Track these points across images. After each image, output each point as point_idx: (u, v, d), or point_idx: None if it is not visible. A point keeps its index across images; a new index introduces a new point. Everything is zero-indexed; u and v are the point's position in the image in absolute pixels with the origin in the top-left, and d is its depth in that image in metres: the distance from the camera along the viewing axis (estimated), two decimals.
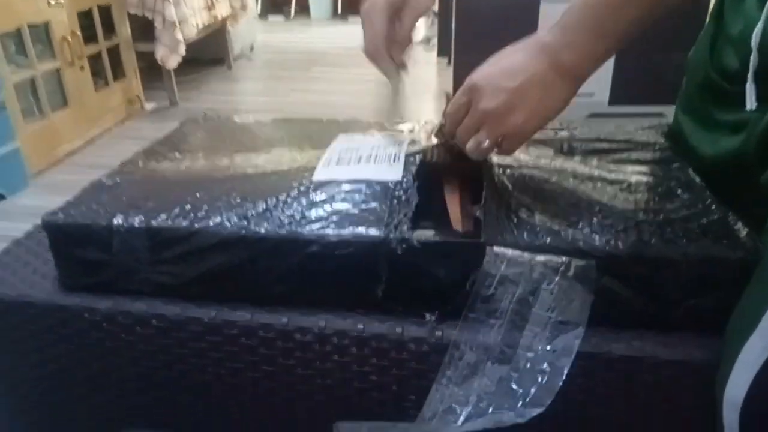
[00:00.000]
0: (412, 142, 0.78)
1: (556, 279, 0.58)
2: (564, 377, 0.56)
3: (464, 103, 0.60)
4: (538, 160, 0.73)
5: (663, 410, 0.62)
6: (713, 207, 0.64)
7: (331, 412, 0.67)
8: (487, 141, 0.60)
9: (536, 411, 0.56)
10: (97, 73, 2.63)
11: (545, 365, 0.57)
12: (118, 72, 2.78)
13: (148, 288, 0.67)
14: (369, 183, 0.68)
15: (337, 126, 0.92)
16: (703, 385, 0.59)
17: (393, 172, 0.69)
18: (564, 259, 0.58)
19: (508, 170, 0.67)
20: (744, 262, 0.57)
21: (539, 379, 0.57)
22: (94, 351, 0.68)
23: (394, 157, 0.72)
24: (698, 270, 0.58)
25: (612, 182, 0.70)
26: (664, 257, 0.58)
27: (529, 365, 0.58)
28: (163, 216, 0.65)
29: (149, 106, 3.00)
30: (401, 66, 0.68)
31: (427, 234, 0.61)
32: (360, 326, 0.63)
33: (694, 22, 0.75)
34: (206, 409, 0.70)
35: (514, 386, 0.58)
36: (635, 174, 0.72)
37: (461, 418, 0.58)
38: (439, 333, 0.62)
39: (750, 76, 0.59)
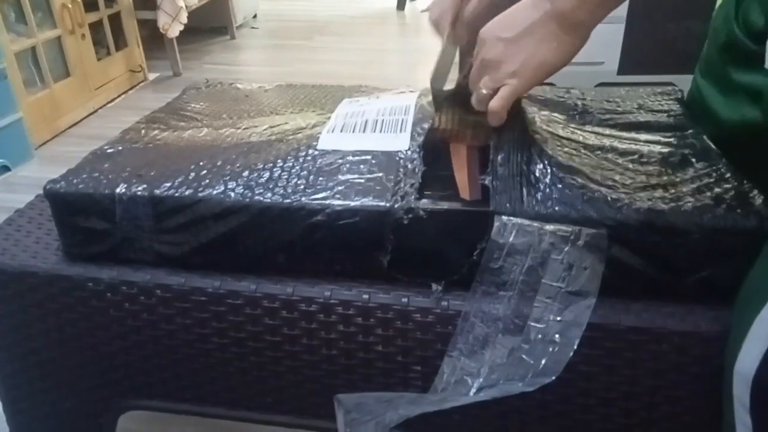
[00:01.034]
0: (423, 97, 0.77)
1: (566, 248, 0.57)
2: (575, 348, 0.56)
3: (475, 55, 0.61)
4: (550, 125, 0.71)
5: (669, 381, 0.61)
6: (728, 175, 0.62)
7: (335, 382, 0.67)
8: (484, 90, 0.60)
9: (545, 380, 0.55)
10: (98, 42, 2.58)
11: (556, 336, 0.57)
12: (120, 41, 2.73)
13: (151, 257, 0.66)
14: (375, 153, 0.67)
15: (341, 92, 0.90)
16: (711, 356, 0.58)
17: (399, 142, 0.68)
18: (574, 228, 0.57)
19: (519, 135, 0.65)
20: (758, 232, 0.56)
21: (550, 350, 0.56)
22: (98, 321, 0.68)
23: (401, 126, 0.70)
24: (711, 240, 0.57)
25: (624, 148, 0.68)
26: (677, 226, 0.57)
27: (539, 336, 0.57)
28: (167, 184, 0.64)
29: (152, 76, 2.96)
30: (459, 40, 0.69)
31: (433, 203, 0.60)
32: (365, 296, 0.62)
33: None
34: (209, 379, 0.70)
35: (525, 357, 0.57)
36: (648, 141, 0.70)
37: (473, 390, 0.57)
38: (444, 303, 0.61)
39: None
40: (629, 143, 0.70)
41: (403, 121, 0.71)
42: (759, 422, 0.53)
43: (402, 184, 0.62)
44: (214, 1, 3.23)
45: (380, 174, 0.64)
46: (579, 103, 0.81)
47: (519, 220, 0.58)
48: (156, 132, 0.78)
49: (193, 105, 0.88)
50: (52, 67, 2.29)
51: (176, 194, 0.63)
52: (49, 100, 2.28)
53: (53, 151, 2.25)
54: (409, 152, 0.66)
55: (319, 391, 0.68)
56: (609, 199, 0.59)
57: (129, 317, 0.67)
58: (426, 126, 0.70)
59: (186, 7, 2.76)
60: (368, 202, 0.60)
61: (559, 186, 0.60)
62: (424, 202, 0.60)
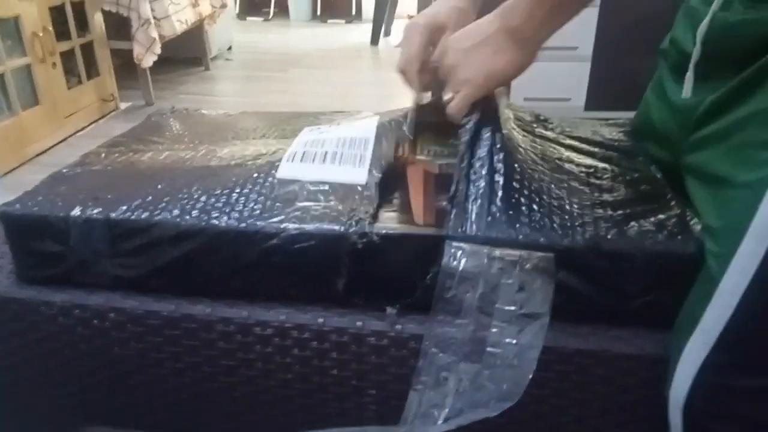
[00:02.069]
0: (382, 125, 0.78)
1: (515, 272, 0.59)
2: (533, 369, 0.57)
3: (438, 59, 0.66)
4: (506, 150, 0.72)
5: (616, 404, 0.62)
6: (672, 203, 0.65)
7: (291, 407, 0.67)
8: (449, 94, 0.65)
9: (508, 405, 0.56)
10: (69, 70, 2.57)
11: (514, 360, 0.58)
12: (92, 70, 2.72)
13: (107, 281, 0.66)
14: (332, 184, 0.68)
15: (304, 118, 0.91)
16: (656, 380, 0.60)
17: (357, 175, 0.69)
18: (522, 252, 0.59)
19: (474, 159, 0.67)
20: (697, 257, 0.58)
21: (510, 374, 0.57)
22: (50, 345, 0.67)
23: (359, 159, 0.72)
24: (654, 265, 0.59)
25: (574, 175, 0.71)
26: (621, 251, 0.59)
27: (498, 361, 0.58)
28: (123, 207, 0.64)
29: (124, 105, 2.96)
30: (426, 88, 0.72)
31: (386, 227, 0.61)
32: (320, 320, 0.63)
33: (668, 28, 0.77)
34: (164, 404, 0.69)
35: (487, 383, 0.58)
36: (598, 168, 0.73)
37: (439, 421, 0.58)
38: (399, 326, 0.62)
39: (691, 66, 0.61)
40: (580, 169, 0.72)
41: (361, 156, 0.72)
42: None
43: (357, 210, 0.63)
44: (189, 33, 3.26)
45: (336, 202, 0.65)
46: (538, 129, 0.84)
47: (468, 246, 0.59)
48: (116, 155, 0.78)
49: (156, 130, 0.88)
50: (20, 94, 2.27)
51: (132, 217, 0.63)
52: (17, 127, 2.26)
53: (19, 180, 2.22)
54: (366, 185, 0.68)
55: (276, 416, 0.68)
56: (557, 224, 0.61)
57: (82, 342, 0.66)
58: (383, 163, 0.71)
59: (160, 37, 2.78)
60: (323, 226, 0.61)
61: (511, 211, 0.62)
62: (379, 227, 0.61)
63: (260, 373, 0.65)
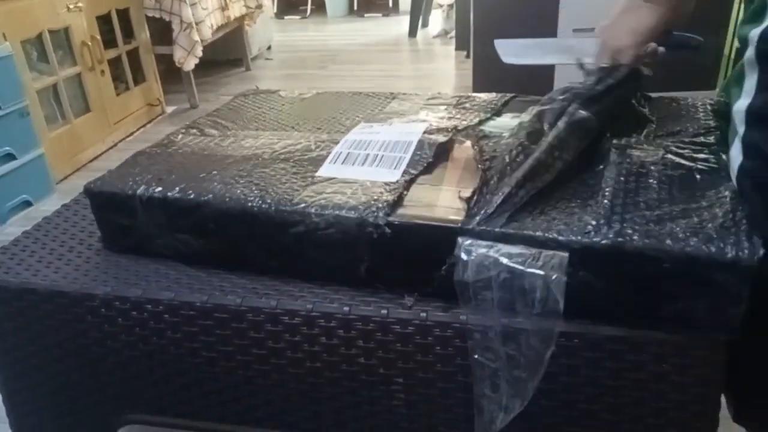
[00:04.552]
0: (431, 131, 0.80)
1: (527, 271, 0.57)
2: (542, 371, 0.57)
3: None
4: (561, 139, 0.68)
5: (651, 392, 0.61)
6: (725, 201, 0.58)
7: (320, 396, 0.68)
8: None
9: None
10: (117, 77, 2.66)
11: (531, 357, 0.58)
12: (139, 76, 2.81)
13: (170, 252, 0.74)
14: (364, 181, 0.70)
15: (374, 102, 0.98)
16: (689, 366, 0.58)
17: (391, 176, 0.71)
18: (533, 251, 0.57)
19: (515, 153, 0.66)
20: (736, 266, 0.52)
21: (529, 371, 0.58)
22: (94, 336, 0.71)
23: (398, 161, 0.73)
24: (685, 270, 0.54)
25: (623, 166, 0.67)
26: (645, 253, 0.54)
27: (522, 360, 0.58)
28: (178, 188, 0.70)
29: (170, 109, 3.05)
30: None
31: (403, 216, 0.62)
32: (346, 308, 0.64)
33: (724, 7, 0.75)
34: (200, 392, 0.72)
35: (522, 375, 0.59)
36: (650, 156, 0.69)
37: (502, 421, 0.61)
38: (423, 314, 0.63)
39: None
40: (630, 160, 0.69)
41: (400, 158, 0.74)
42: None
43: (378, 200, 0.65)
44: (229, 34, 3.33)
45: (362, 193, 0.67)
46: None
47: (479, 242, 0.59)
48: (190, 138, 0.87)
49: (234, 113, 0.98)
50: (72, 103, 2.37)
51: (184, 197, 0.69)
52: (70, 135, 2.36)
53: (74, 186, 2.31)
54: (396, 181, 0.69)
55: (307, 404, 0.70)
56: (581, 221, 0.58)
57: (123, 332, 0.70)
58: (423, 162, 0.72)
59: (201, 41, 2.85)
60: (341, 213, 0.64)
61: (531, 206, 0.61)
62: (394, 217, 0.62)
63: (290, 362, 0.67)
